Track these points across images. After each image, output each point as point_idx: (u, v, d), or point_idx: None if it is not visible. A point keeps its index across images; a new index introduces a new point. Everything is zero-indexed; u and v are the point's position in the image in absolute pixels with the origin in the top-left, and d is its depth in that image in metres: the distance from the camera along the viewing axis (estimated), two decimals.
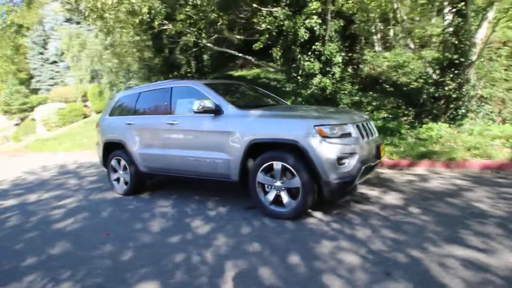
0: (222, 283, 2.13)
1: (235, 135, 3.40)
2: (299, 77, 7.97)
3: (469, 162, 4.58)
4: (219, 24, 8.50)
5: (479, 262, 2.10)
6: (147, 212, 3.86)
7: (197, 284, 2.16)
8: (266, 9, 7.48)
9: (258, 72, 15.66)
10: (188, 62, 12.26)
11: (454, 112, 6.48)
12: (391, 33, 12.02)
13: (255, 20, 7.56)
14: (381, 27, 11.45)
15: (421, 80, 7.44)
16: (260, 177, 3.28)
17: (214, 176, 3.69)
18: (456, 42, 6.28)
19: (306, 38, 7.50)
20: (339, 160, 2.94)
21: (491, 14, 5.99)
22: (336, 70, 8.10)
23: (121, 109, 4.87)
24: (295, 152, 3.07)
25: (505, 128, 5.35)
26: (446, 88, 6.48)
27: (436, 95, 6.73)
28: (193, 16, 8.56)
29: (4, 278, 2.47)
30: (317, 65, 7.78)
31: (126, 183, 4.72)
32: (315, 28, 7.40)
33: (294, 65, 8.11)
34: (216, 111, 3.58)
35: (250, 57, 9.51)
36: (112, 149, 4.85)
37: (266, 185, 3.31)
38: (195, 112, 3.59)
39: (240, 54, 9.58)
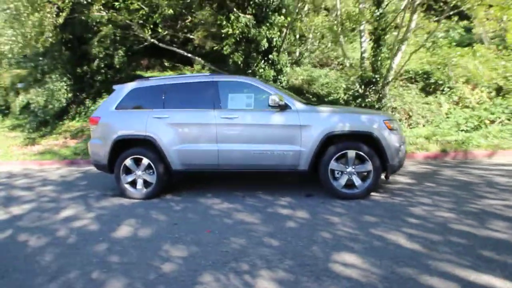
0: (398, 237, 2.60)
1: (309, 128, 3.78)
2: None
3: (415, 154, 6.33)
4: (187, 21, 8.16)
5: (510, 204, 3.34)
6: (210, 210, 3.70)
7: (379, 246, 2.54)
8: (238, 14, 7.74)
9: (172, 74, 15.21)
10: (106, 56, 10.81)
11: None
12: (297, 52, 14.09)
13: (223, 23, 7.68)
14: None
15: (350, 93, 9.29)
16: (334, 164, 3.79)
17: (280, 167, 3.93)
18: (379, 64, 8.32)
19: (266, 47, 8.22)
20: (400, 147, 3.81)
21: (404, 47, 8.28)
22: (284, 79, 9.16)
23: (137, 102, 4.32)
24: (367, 142, 3.75)
25: (423, 130, 7.55)
26: (369, 100, 8.45)
27: (363, 105, 8.62)
28: (144, 7, 7.91)
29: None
30: (271, 73, 8.58)
31: (147, 185, 4.21)
32: (274, 39, 8.21)
33: (250, 71, 8.66)
34: (283, 107, 3.85)
35: (200, 59, 9.39)
36: (125, 147, 4.22)
37: (336, 172, 3.84)
38: (270, 107, 3.77)
39: (190, 55, 9.34)
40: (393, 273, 2.15)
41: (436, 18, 7.62)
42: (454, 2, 6.49)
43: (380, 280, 2.07)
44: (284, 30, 8.33)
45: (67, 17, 8.38)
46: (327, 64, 13.16)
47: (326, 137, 3.74)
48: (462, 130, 7.09)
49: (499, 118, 6.96)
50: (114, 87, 4.55)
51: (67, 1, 7.10)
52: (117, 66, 10.62)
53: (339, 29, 8.62)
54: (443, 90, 9.08)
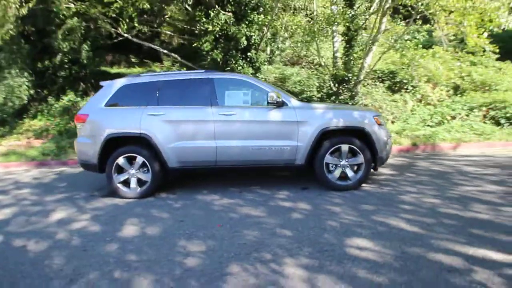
0: (398, 222, 2.85)
1: (306, 124, 3.95)
2: None
3: None
4: (166, 16, 7.91)
5: (485, 190, 3.77)
6: (211, 206, 3.73)
7: (383, 231, 2.77)
8: (219, 10, 7.70)
9: (142, 71, 14.72)
10: (71, 50, 10.14)
11: None
12: (268, 50, 14.32)
13: (202, 20, 7.60)
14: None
15: (324, 91, 9.68)
16: (328, 158, 4.00)
17: (277, 162, 4.06)
18: (351, 64, 8.78)
19: (245, 45, 8.29)
20: (387, 140, 4.12)
21: (374, 48, 8.79)
22: (261, 76, 9.31)
23: (128, 99, 4.18)
24: (358, 136, 4.00)
25: (394, 125, 8.10)
26: (342, 97, 8.89)
27: (337, 102, 9.05)
28: (118, 0, 7.57)
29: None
30: (250, 71, 8.68)
31: (141, 183, 4.12)
32: (253, 37, 8.30)
33: (228, 68, 8.68)
34: (280, 104, 3.98)
35: (176, 55, 9.19)
36: (117, 146, 4.08)
37: (330, 165, 4.05)
38: (269, 103, 3.88)
39: (165, 51, 9.11)
40: (404, 253, 2.38)
41: (404, 22, 8.22)
42: (421, 8, 7.04)
43: (394, 260, 2.28)
44: (264, 28, 8.45)
45: (30, 9, 7.78)
46: (297, 62, 13.51)
47: (321, 133, 3.94)
48: (428, 125, 7.74)
49: (459, 114, 7.71)
50: (102, 83, 4.36)
51: None
52: (85, 61, 10.03)
53: (316, 28, 8.92)
54: (407, 89, 9.77)
